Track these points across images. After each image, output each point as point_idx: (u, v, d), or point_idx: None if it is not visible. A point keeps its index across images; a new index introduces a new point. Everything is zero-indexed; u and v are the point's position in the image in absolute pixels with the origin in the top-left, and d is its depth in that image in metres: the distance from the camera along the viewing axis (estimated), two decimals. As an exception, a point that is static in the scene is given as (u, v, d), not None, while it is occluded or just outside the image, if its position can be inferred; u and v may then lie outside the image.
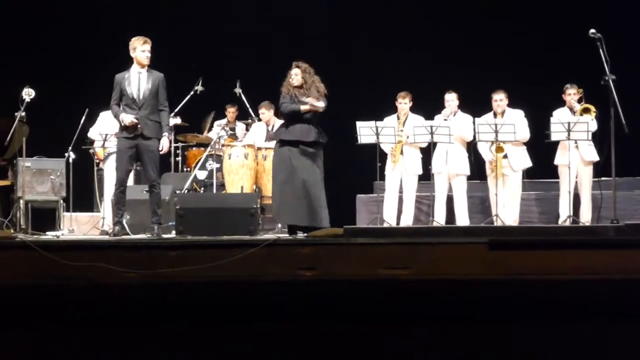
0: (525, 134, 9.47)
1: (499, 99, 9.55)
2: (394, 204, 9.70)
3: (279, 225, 8.95)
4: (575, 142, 9.19)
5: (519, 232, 7.59)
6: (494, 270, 6.26)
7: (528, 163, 9.58)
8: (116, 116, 8.02)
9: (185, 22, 12.37)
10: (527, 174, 9.67)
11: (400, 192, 9.79)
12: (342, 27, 12.26)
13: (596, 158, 9.26)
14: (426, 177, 9.94)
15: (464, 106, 9.84)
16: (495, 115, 9.55)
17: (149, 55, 7.98)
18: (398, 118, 9.78)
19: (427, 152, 9.76)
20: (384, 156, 9.76)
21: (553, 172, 9.64)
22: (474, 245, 6.36)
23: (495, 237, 6.47)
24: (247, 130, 10.89)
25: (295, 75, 8.22)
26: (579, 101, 9.34)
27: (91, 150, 9.99)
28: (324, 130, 8.19)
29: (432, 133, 9.32)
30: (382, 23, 12.23)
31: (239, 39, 12.31)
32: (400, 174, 9.73)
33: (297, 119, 8.13)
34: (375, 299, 6.37)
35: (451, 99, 9.76)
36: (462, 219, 9.63)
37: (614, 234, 6.74)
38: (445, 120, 9.58)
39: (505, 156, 9.42)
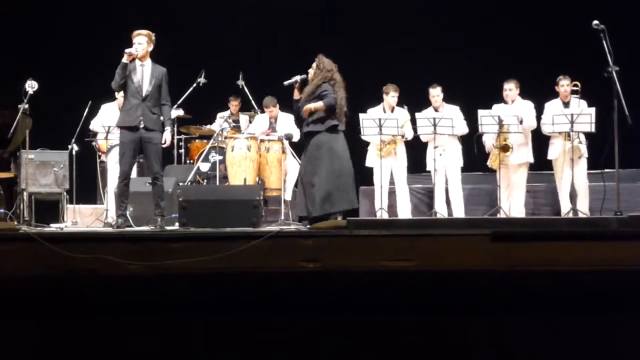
0: (531, 122, 9.46)
1: (509, 88, 9.55)
2: (386, 195, 9.71)
3: (282, 217, 8.97)
4: (568, 136, 9.18)
5: (522, 224, 7.59)
6: (497, 262, 6.27)
7: (529, 158, 9.56)
8: (117, 77, 7.96)
9: (189, 13, 12.35)
10: (531, 167, 9.69)
11: (391, 183, 9.82)
12: (342, 21, 12.25)
13: (586, 154, 9.30)
14: (417, 169, 9.99)
15: (463, 101, 9.87)
16: (506, 104, 9.56)
17: (140, 47, 7.96)
18: (384, 110, 9.77)
19: (412, 146, 9.85)
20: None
21: (552, 164, 9.65)
22: (477, 237, 6.37)
23: (498, 229, 6.47)
24: (250, 122, 10.87)
25: (311, 68, 8.29)
26: (575, 93, 9.34)
27: (93, 143, 9.99)
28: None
29: (435, 125, 9.32)
30: (381, 17, 12.22)
31: (241, 30, 12.30)
32: (390, 166, 9.75)
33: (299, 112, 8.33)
34: (379, 291, 6.38)
35: (437, 94, 9.74)
36: (458, 210, 9.65)
37: (617, 225, 6.73)
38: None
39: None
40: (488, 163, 9.67)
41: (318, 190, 7.87)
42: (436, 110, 9.74)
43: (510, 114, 9.34)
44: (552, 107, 9.45)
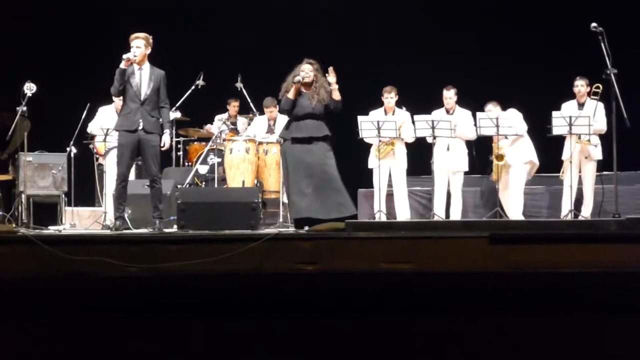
0: (522, 129, 9.49)
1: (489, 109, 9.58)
2: (384, 197, 9.70)
3: (281, 220, 8.95)
4: (579, 137, 9.20)
5: (520, 226, 7.59)
6: (496, 264, 6.27)
7: (530, 157, 9.55)
8: (115, 83, 7.93)
9: (187, 15, 12.36)
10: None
11: (389, 185, 9.81)
12: (341, 21, 12.26)
13: (599, 156, 9.29)
14: (419, 171, 9.98)
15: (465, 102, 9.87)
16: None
17: (138, 51, 7.92)
18: (385, 113, 9.77)
19: (413, 147, 9.84)
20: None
21: (558, 166, 9.65)
22: (476, 240, 6.37)
23: (496, 231, 6.47)
24: (248, 124, 10.88)
25: (309, 72, 8.17)
26: (593, 95, 9.32)
27: (91, 145, 9.98)
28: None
29: (433, 127, 9.31)
30: (379, 19, 12.22)
31: (240, 33, 12.30)
32: (388, 168, 9.74)
33: (300, 114, 8.16)
34: (377, 293, 6.37)
35: (449, 96, 9.73)
36: (456, 214, 9.65)
37: (616, 228, 6.74)
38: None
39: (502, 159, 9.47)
40: (493, 177, 9.69)
41: (341, 193, 7.99)
42: (448, 112, 9.72)
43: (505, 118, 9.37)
44: (567, 107, 9.45)
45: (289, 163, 8.14)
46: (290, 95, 8.14)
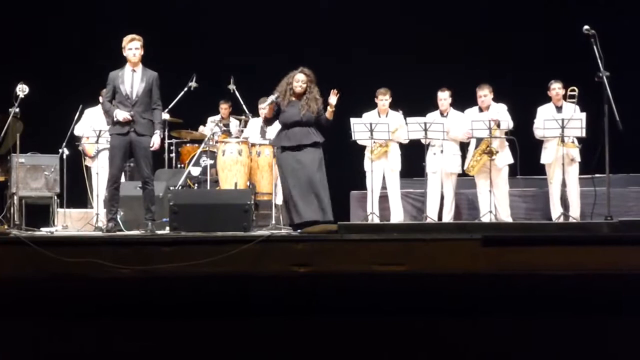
0: (509, 124, 9.46)
1: (483, 94, 9.53)
2: (377, 198, 9.69)
3: (273, 222, 8.95)
4: (562, 140, 9.20)
5: (513, 228, 7.60)
6: (488, 266, 6.28)
7: (510, 159, 9.56)
8: (108, 112, 8.01)
9: (180, 18, 12.35)
10: (518, 170, 9.69)
11: (383, 188, 9.81)
12: (334, 25, 12.26)
13: (579, 158, 9.32)
14: (412, 173, 9.97)
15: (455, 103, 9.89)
16: (480, 110, 9.55)
17: (137, 52, 7.93)
18: (379, 115, 9.77)
19: (407, 148, 9.83)
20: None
21: (544, 169, 9.66)
22: (468, 242, 6.38)
23: (489, 234, 6.48)
24: (244, 126, 10.85)
25: (302, 83, 8.19)
26: (571, 97, 9.35)
27: (80, 147, 9.95)
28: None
29: (425, 130, 9.32)
30: (371, 22, 12.23)
31: (233, 34, 12.29)
32: (382, 170, 9.74)
33: (287, 122, 8.17)
34: (370, 295, 6.38)
35: (444, 98, 9.74)
36: (449, 216, 9.66)
37: (608, 230, 6.75)
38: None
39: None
40: (466, 169, 9.65)
41: (327, 198, 8.01)
42: (442, 114, 9.72)
43: (486, 118, 9.34)
44: (545, 111, 9.46)
45: (284, 170, 8.19)
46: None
